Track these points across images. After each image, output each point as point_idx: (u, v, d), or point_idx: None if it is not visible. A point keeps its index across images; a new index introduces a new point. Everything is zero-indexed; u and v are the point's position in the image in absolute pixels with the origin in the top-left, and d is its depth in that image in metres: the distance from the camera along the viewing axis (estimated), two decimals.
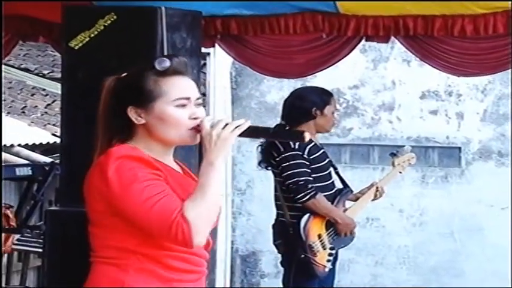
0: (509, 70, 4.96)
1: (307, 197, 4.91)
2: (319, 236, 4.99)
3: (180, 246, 2.33)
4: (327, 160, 5.11)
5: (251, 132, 2.40)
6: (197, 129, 2.39)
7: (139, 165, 2.35)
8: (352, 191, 5.23)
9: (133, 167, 2.34)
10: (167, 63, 2.41)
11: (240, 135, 2.36)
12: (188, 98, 2.42)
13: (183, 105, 2.41)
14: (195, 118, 2.41)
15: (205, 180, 2.33)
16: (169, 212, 2.28)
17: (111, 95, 2.49)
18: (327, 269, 5.01)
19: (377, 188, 5.20)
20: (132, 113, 2.42)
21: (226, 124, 2.36)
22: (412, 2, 4.62)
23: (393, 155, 5.40)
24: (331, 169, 5.17)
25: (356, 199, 5.18)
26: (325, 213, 4.98)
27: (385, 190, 5.27)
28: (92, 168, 2.44)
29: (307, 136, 2.42)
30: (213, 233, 2.50)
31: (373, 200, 5.24)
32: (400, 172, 5.39)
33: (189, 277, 2.43)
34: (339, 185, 5.27)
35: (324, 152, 5.10)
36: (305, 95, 5.19)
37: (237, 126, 2.37)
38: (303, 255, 4.88)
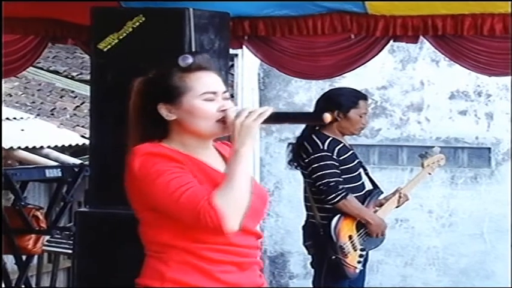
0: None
1: (338, 198, 4.89)
2: (350, 237, 4.97)
3: (213, 233, 2.38)
4: (357, 161, 5.08)
5: (273, 118, 2.47)
6: (224, 120, 2.47)
7: (162, 160, 2.41)
8: (382, 192, 5.20)
9: (156, 162, 2.41)
10: (190, 59, 2.49)
11: (264, 122, 2.43)
12: (215, 93, 2.49)
13: (211, 100, 2.48)
14: (223, 110, 2.48)
15: (232, 168, 2.40)
16: (196, 201, 2.35)
17: (140, 95, 2.56)
18: (357, 270, 4.98)
19: (400, 195, 5.17)
20: (162, 110, 2.49)
21: (250, 112, 2.44)
22: (441, 2, 4.59)
23: (422, 156, 5.36)
24: (361, 170, 5.14)
25: (380, 205, 5.15)
26: (356, 214, 4.96)
27: (411, 194, 5.23)
28: (126, 169, 2.52)
29: (328, 117, 2.44)
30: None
31: (396, 207, 5.21)
32: (430, 173, 5.36)
33: (231, 268, 2.47)
34: (368, 186, 5.25)
35: (353, 153, 5.08)
36: (332, 96, 5.15)
37: (260, 114, 2.44)
38: (333, 257, 4.86)
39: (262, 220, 2.63)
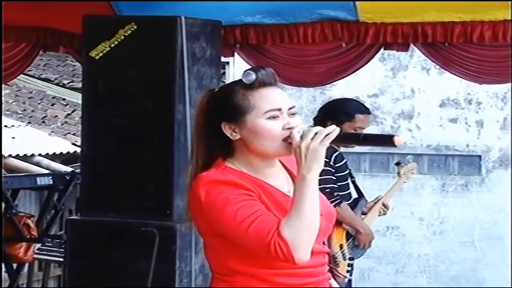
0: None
1: (332, 204, 4.90)
2: (341, 247, 4.98)
3: (283, 263, 2.30)
4: (347, 171, 5.09)
5: (341, 139, 2.37)
6: (289, 140, 2.36)
7: (229, 187, 2.32)
8: (367, 201, 5.21)
9: (223, 190, 2.32)
10: (253, 76, 2.38)
11: (332, 142, 2.32)
12: (279, 109, 2.38)
13: (275, 117, 2.37)
14: (289, 128, 2.36)
15: (299, 196, 2.29)
16: (265, 232, 2.26)
17: (204, 111, 2.44)
18: (346, 280, 4.99)
19: (383, 204, 5.17)
20: (226, 129, 2.39)
21: (316, 133, 2.32)
22: (432, 4, 4.60)
23: (398, 165, 5.37)
24: (349, 179, 5.15)
25: (363, 214, 5.16)
26: (348, 222, 4.96)
27: (390, 205, 5.21)
28: (189, 194, 2.41)
29: (400, 141, 2.32)
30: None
31: (378, 216, 5.21)
32: (405, 182, 5.37)
33: None
34: (354, 194, 5.25)
35: (346, 161, 5.08)
36: (331, 107, 5.10)
37: (327, 135, 2.32)
38: None
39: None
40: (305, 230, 2.27)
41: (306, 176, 2.30)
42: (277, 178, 2.44)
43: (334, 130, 2.32)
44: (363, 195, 5.20)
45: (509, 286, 7.29)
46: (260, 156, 2.40)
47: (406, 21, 4.72)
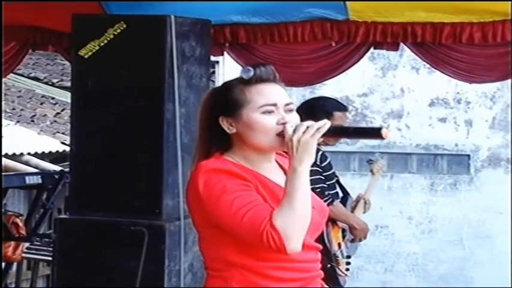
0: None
1: (325, 204, 4.90)
2: (339, 245, 4.99)
3: (276, 253, 2.34)
4: (332, 171, 5.10)
5: (331, 133, 2.42)
6: (283, 135, 2.41)
7: (227, 176, 2.37)
8: (352, 198, 5.23)
9: (221, 179, 2.36)
10: (251, 72, 2.44)
11: (321, 136, 2.38)
12: (275, 105, 2.43)
13: (270, 112, 2.43)
14: (283, 123, 2.42)
15: (290, 187, 2.33)
16: (258, 222, 2.30)
17: (205, 106, 2.51)
18: (346, 278, 5.00)
19: (365, 201, 5.20)
20: (224, 123, 2.45)
21: (308, 127, 2.37)
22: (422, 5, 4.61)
23: (370, 162, 5.43)
24: (335, 178, 5.16)
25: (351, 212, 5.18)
26: (343, 219, 4.97)
27: (372, 200, 5.24)
28: (188, 183, 2.45)
29: (387, 133, 2.38)
30: (319, 238, 2.54)
31: (363, 212, 5.23)
32: (378, 179, 5.43)
33: (293, 285, 2.44)
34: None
35: (330, 161, 5.09)
36: (308, 106, 5.08)
37: (318, 129, 2.37)
38: (329, 265, 4.85)
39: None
40: (297, 220, 2.31)
41: (298, 168, 2.34)
42: (274, 173, 2.49)
43: (325, 124, 2.38)
44: (348, 194, 5.22)
45: (509, 286, 7.31)
46: (256, 150, 2.45)
47: (396, 21, 4.73)
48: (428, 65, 5.44)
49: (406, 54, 7.91)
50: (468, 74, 4.99)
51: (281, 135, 2.41)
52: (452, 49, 4.78)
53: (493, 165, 8.80)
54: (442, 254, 8.78)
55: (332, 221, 4.93)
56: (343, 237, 5.01)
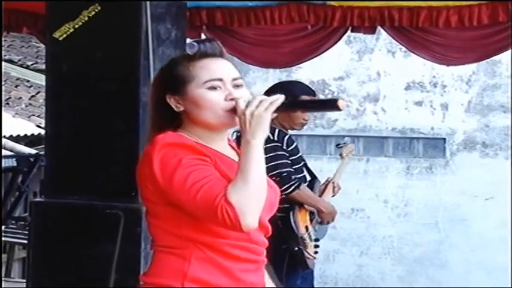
0: (495, 61, 4.98)
1: (292, 188, 4.90)
2: (307, 228, 5.00)
3: (230, 230, 2.26)
4: (299, 154, 5.11)
5: (286, 106, 2.34)
6: (234, 110, 2.33)
7: (184, 151, 2.28)
8: (320, 182, 5.24)
9: (177, 154, 2.28)
10: (195, 47, 2.38)
11: (276, 110, 2.30)
12: (220, 80, 2.35)
13: (215, 87, 2.35)
14: (231, 99, 2.34)
15: (245, 160, 2.24)
16: (213, 197, 2.21)
17: (154, 84, 2.45)
18: (315, 261, 5.02)
19: (333, 184, 5.22)
20: (171, 101, 2.37)
21: (261, 101, 2.29)
22: None
23: (340, 146, 5.47)
24: (302, 162, 5.17)
25: (319, 196, 5.19)
26: (310, 203, 4.98)
27: (341, 184, 5.27)
28: (141, 159, 2.36)
29: (342, 104, 2.32)
30: (272, 221, 2.49)
31: (332, 196, 5.25)
32: (347, 163, 5.47)
33: (249, 267, 2.38)
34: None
35: (296, 144, 5.09)
36: (275, 90, 5.05)
37: (271, 102, 2.28)
38: (296, 248, 4.87)
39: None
40: (252, 195, 2.22)
41: (251, 141, 2.25)
42: (228, 151, 2.42)
43: (279, 97, 2.30)
44: (316, 177, 5.23)
45: (509, 286, 7.37)
46: (206, 127, 2.37)
47: (373, 5, 4.73)
48: (404, 49, 5.45)
49: (383, 38, 7.93)
50: (445, 57, 5.01)
51: (231, 111, 2.33)
52: (429, 32, 4.80)
53: (468, 148, 8.86)
54: (417, 237, 8.83)
55: (299, 204, 4.95)
56: (311, 220, 5.02)
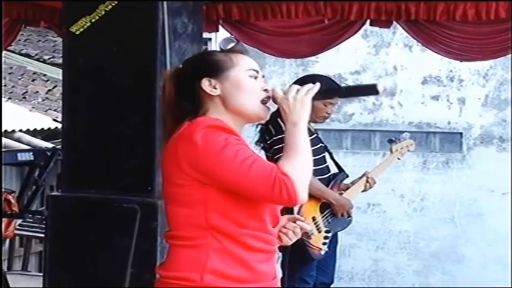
0: (510, 55, 4.95)
1: None
2: (314, 219, 4.99)
3: (284, 204, 2.34)
4: (320, 145, 5.09)
5: (324, 93, 2.46)
6: (268, 101, 2.44)
7: (225, 132, 2.35)
8: (347, 176, 5.22)
9: (220, 134, 2.34)
10: (232, 43, 2.51)
11: (314, 97, 2.42)
12: (257, 71, 2.47)
13: (255, 77, 2.46)
14: (265, 90, 2.45)
15: (295, 139, 2.36)
16: (268, 171, 2.28)
17: (176, 81, 2.46)
18: (322, 252, 5.00)
19: (367, 179, 5.18)
20: (206, 85, 2.42)
21: (298, 89, 2.42)
22: None
23: (391, 141, 5.39)
24: (325, 154, 5.15)
25: (347, 188, 5.16)
26: (318, 194, 4.97)
27: (382, 178, 5.22)
28: (173, 142, 2.38)
29: (381, 87, 2.41)
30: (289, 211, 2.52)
31: (363, 191, 5.22)
32: (399, 158, 5.38)
33: (262, 257, 2.41)
34: (334, 169, 5.24)
35: (316, 136, 5.07)
36: (300, 83, 5.07)
37: (310, 89, 2.42)
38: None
39: None
40: (304, 170, 2.33)
41: (298, 122, 2.38)
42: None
43: (315, 86, 2.44)
44: (342, 170, 5.22)
45: (510, 286, 7.34)
46: (237, 114, 2.43)
47: None
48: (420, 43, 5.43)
49: (399, 32, 7.89)
50: (459, 53, 4.99)
51: (264, 102, 2.44)
52: (446, 27, 4.77)
53: (485, 143, 8.81)
54: (433, 231, 8.81)
55: (308, 195, 4.94)
56: (322, 211, 5.01)
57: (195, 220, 2.35)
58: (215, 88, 2.42)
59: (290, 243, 2.56)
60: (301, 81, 5.07)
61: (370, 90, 2.46)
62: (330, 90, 2.57)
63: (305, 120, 2.38)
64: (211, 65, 2.43)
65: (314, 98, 2.41)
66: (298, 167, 2.31)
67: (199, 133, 2.32)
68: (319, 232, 4.98)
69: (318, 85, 2.43)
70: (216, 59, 2.44)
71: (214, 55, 2.47)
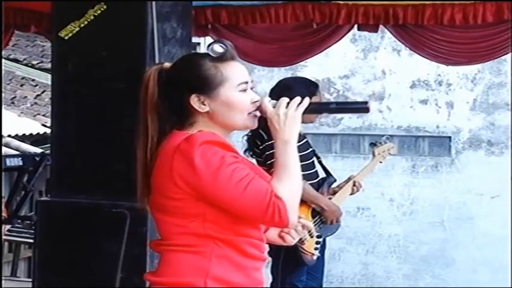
0: (500, 59, 4.98)
1: None
2: None
3: (275, 226, 2.34)
4: (310, 149, 5.09)
5: (314, 108, 2.44)
6: (256, 113, 2.40)
7: (221, 149, 2.31)
8: (335, 180, 5.22)
9: (217, 151, 2.29)
10: (222, 49, 2.38)
11: (304, 112, 2.39)
12: (247, 82, 2.40)
13: (245, 90, 2.39)
14: (254, 102, 2.40)
15: (286, 159, 2.32)
16: (262, 193, 2.27)
17: (159, 84, 2.41)
18: (314, 257, 5.01)
19: (354, 183, 5.18)
20: (195, 101, 2.36)
21: (288, 103, 2.37)
22: None
23: (373, 145, 5.40)
24: (314, 159, 5.15)
25: (334, 193, 5.16)
26: (311, 200, 4.98)
27: (372, 182, 5.22)
28: (167, 155, 2.34)
29: (372, 107, 2.41)
30: None
31: (350, 194, 5.22)
32: (381, 162, 5.38)
33: (258, 264, 2.42)
34: (322, 174, 5.25)
35: (306, 141, 5.08)
36: (292, 85, 5.08)
37: (299, 104, 2.37)
38: None
39: None
40: (295, 191, 2.32)
41: (290, 140, 2.34)
42: None
43: (304, 100, 2.38)
44: (330, 175, 5.22)
45: (509, 286, 7.37)
46: (225, 128, 2.40)
47: (378, 4, 4.73)
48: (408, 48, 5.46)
49: (387, 36, 7.90)
50: (447, 57, 5.01)
51: (253, 113, 2.39)
52: (433, 31, 4.80)
53: (474, 147, 8.84)
54: (423, 235, 8.82)
55: (300, 200, 4.93)
56: (314, 216, 5.01)
57: (192, 230, 2.34)
58: (204, 104, 2.36)
59: (293, 242, 2.55)
60: (283, 86, 5.12)
61: (361, 108, 2.45)
62: (320, 105, 2.53)
63: (295, 138, 2.35)
64: (201, 82, 2.35)
65: (304, 113, 2.38)
66: (290, 189, 2.29)
67: (196, 151, 2.28)
68: (311, 237, 4.99)
69: (307, 100, 2.38)
70: (206, 75, 2.35)
71: (204, 70, 2.36)
